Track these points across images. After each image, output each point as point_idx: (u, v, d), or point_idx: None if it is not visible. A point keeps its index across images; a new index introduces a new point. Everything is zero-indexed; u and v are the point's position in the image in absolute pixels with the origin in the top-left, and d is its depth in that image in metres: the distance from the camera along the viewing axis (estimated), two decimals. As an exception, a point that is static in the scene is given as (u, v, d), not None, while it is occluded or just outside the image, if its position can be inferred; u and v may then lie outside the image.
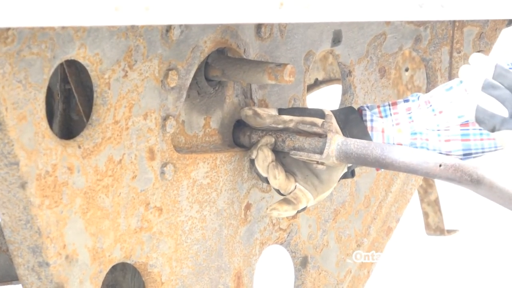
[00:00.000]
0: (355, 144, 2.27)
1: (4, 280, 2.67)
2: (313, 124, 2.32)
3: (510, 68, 2.35)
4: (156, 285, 2.22)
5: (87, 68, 2.05)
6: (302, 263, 2.47)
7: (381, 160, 2.23)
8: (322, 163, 2.29)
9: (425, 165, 2.23)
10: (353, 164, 2.38)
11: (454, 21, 2.60)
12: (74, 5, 1.80)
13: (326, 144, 2.26)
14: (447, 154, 2.46)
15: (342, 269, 2.57)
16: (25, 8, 1.75)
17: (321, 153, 2.26)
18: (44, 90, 1.99)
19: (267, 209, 2.35)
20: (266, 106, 2.41)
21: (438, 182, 2.90)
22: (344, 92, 2.51)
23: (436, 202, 2.95)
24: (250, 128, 2.37)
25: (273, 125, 2.36)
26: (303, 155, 2.31)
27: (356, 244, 2.60)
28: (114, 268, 2.19)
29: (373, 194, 2.60)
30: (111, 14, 1.81)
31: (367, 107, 2.44)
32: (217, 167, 2.28)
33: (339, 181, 2.42)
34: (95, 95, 2.08)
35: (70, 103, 2.40)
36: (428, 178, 2.59)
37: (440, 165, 2.24)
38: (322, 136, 2.28)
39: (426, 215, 2.97)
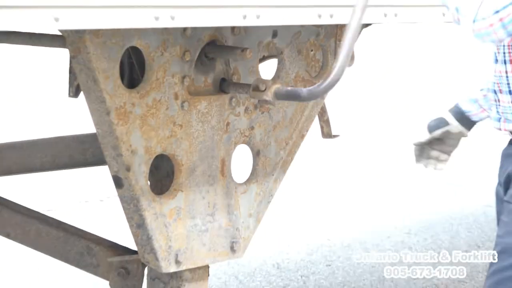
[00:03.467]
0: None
1: (99, 164, 2.60)
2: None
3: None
4: (179, 167, 2.25)
5: (142, 50, 2.13)
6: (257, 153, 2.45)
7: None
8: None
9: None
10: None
11: (337, 24, 2.43)
12: (135, 16, 1.87)
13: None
14: None
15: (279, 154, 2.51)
16: (113, 15, 1.84)
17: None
18: (118, 63, 2.10)
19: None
20: (237, 71, 2.35)
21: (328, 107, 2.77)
22: (279, 63, 2.45)
23: (328, 120, 2.79)
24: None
25: None
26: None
27: (285, 143, 2.53)
28: (156, 157, 2.23)
29: (295, 117, 2.53)
30: (152, 23, 1.89)
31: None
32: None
33: None
34: (146, 64, 2.15)
35: (133, 69, 2.32)
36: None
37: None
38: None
39: (322, 127, 2.79)
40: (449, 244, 4.30)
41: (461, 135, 2.40)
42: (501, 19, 1.98)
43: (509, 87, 2.18)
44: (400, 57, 11.17)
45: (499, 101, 2.21)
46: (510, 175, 2.19)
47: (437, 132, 2.35)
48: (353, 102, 8.14)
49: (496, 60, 2.25)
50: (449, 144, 2.40)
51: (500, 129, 2.22)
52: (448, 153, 2.41)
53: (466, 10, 2.01)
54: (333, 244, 4.18)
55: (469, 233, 4.63)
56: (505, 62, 2.20)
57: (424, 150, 2.40)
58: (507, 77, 2.19)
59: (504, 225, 2.14)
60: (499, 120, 2.22)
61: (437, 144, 2.39)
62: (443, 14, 2.45)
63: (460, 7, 2.03)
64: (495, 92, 2.22)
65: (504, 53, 2.20)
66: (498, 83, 2.21)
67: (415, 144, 2.39)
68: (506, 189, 2.22)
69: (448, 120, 2.37)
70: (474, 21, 1.99)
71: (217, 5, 1.97)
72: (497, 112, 2.22)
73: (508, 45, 2.19)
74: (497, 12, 1.97)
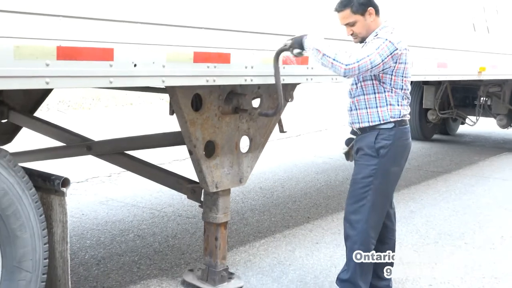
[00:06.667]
0: None
1: (182, 144, 2.16)
2: None
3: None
4: (217, 146, 2.10)
5: (201, 95, 2.00)
6: None
7: None
8: None
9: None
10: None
11: (287, 83, 2.16)
12: (197, 80, 1.79)
13: None
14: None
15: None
16: (188, 79, 1.75)
17: None
18: (191, 99, 1.97)
19: None
20: (242, 104, 2.13)
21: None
22: (260, 101, 2.23)
23: (281, 123, 2.32)
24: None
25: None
26: None
27: (263, 135, 2.32)
28: (207, 142, 2.08)
29: (268, 123, 2.29)
30: (205, 83, 1.79)
31: None
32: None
33: None
34: (202, 100, 2.00)
35: (198, 102, 2.04)
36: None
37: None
38: None
39: (279, 127, 2.32)
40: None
41: None
42: (358, 65, 1.76)
43: (355, 106, 1.95)
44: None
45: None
46: (357, 149, 2.01)
47: (351, 144, 2.08)
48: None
49: (350, 94, 2.00)
50: None
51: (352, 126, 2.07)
52: None
53: (340, 59, 1.76)
54: (284, 179, 3.88)
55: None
56: (356, 96, 2.00)
57: (348, 154, 2.11)
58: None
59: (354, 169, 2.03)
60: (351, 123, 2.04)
61: (352, 149, 2.08)
62: (332, 79, 2.31)
63: (336, 58, 1.77)
64: (351, 109, 2.01)
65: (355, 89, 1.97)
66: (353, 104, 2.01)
67: (342, 153, 2.11)
68: (356, 154, 2.05)
69: (353, 137, 2.08)
70: (346, 65, 1.77)
71: (233, 75, 1.94)
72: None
73: (354, 88, 1.96)
74: (357, 61, 1.76)
